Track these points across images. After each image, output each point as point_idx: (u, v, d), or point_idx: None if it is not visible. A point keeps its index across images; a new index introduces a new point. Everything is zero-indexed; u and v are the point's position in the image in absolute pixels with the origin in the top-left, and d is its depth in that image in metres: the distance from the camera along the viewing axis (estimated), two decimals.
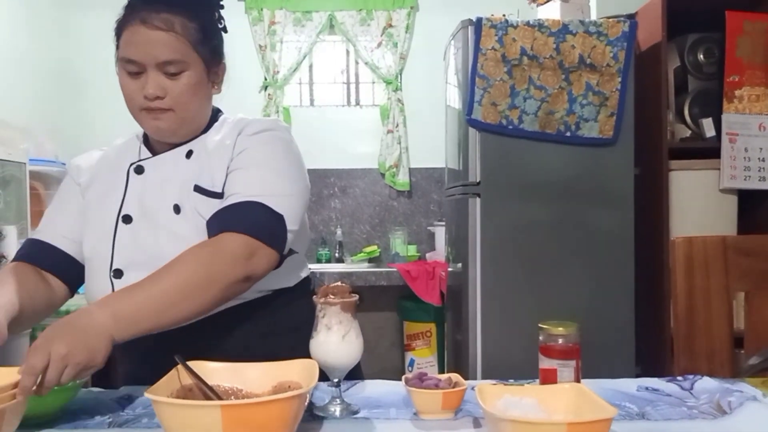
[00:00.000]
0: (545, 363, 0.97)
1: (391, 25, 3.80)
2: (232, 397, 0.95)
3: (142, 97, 1.20)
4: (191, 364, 0.95)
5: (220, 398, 0.93)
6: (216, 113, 1.35)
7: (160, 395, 0.82)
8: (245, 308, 1.23)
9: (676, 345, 1.44)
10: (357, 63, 3.97)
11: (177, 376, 0.93)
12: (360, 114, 3.95)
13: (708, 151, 2.56)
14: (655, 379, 1.18)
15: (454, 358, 2.83)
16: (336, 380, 1.02)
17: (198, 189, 1.22)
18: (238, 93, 3.78)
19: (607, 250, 2.49)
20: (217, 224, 1.15)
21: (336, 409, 1.00)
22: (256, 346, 1.18)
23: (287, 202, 1.19)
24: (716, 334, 1.43)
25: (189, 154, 1.26)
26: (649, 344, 2.57)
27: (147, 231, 1.21)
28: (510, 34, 2.41)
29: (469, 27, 2.47)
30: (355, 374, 1.14)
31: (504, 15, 2.49)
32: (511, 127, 2.45)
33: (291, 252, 1.26)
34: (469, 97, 2.44)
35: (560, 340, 0.96)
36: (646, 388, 1.12)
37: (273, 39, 3.75)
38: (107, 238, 1.23)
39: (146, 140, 1.33)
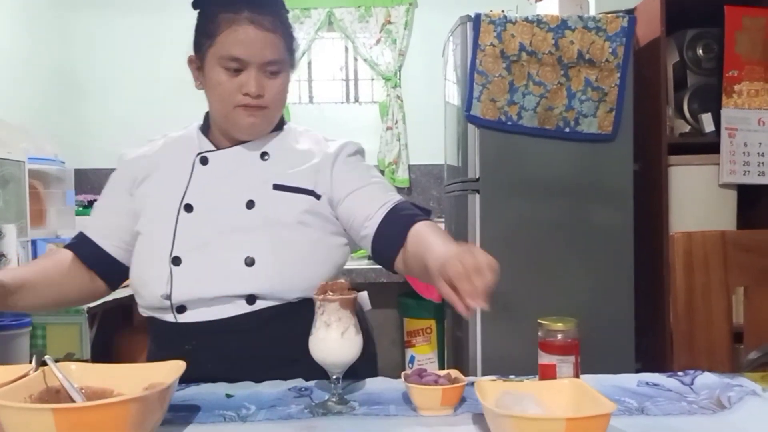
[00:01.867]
0: (544, 359, 0.97)
1: (389, 22, 3.79)
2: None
3: (240, 94, 1.24)
4: (60, 365, 0.93)
5: (83, 400, 0.89)
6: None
7: (17, 396, 0.81)
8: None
9: (675, 340, 1.45)
10: (356, 60, 3.96)
11: (43, 378, 0.91)
12: (359, 111, 3.94)
13: (707, 146, 2.56)
14: (656, 375, 1.18)
15: (454, 354, 2.83)
16: (335, 377, 1.02)
17: (279, 187, 1.28)
18: None
19: (606, 245, 2.48)
20: (411, 218, 1.25)
21: (335, 406, 1.00)
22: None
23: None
24: (716, 330, 1.43)
25: (264, 155, 1.32)
26: (648, 340, 2.57)
27: (209, 221, 1.25)
28: (509, 30, 2.41)
29: (468, 23, 2.46)
30: (369, 370, 1.18)
31: (503, 11, 2.49)
32: (510, 123, 2.44)
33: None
34: (468, 94, 2.44)
35: (559, 336, 0.97)
36: (647, 384, 1.12)
37: None
38: (169, 225, 1.26)
39: (206, 133, 1.37)
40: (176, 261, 1.24)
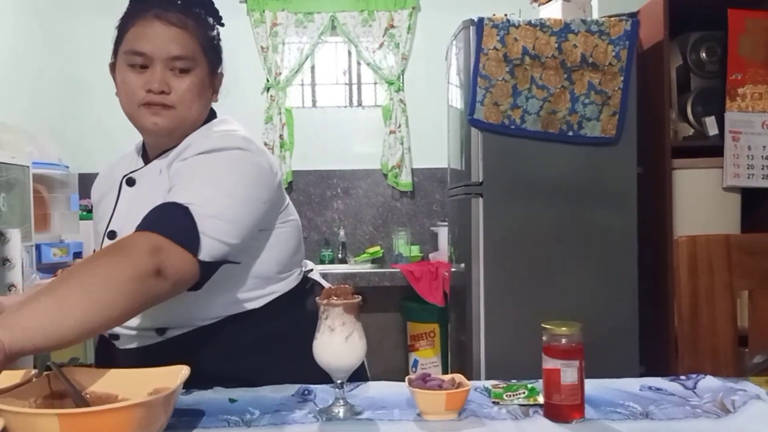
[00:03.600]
0: (549, 363, 0.97)
1: (392, 26, 3.80)
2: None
3: (144, 91, 1.19)
4: (65, 370, 0.93)
5: (87, 405, 0.89)
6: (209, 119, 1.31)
7: (22, 401, 0.80)
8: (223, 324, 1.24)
9: (680, 344, 1.44)
10: (359, 64, 3.97)
11: (47, 382, 0.91)
12: (362, 115, 3.95)
13: (711, 149, 2.55)
14: (659, 379, 1.17)
15: (458, 358, 2.83)
16: (339, 381, 1.02)
17: None
18: (241, 95, 3.78)
19: (610, 249, 2.48)
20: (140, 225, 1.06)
21: (339, 411, 1.00)
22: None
23: (215, 208, 1.09)
24: (720, 333, 1.42)
25: (170, 164, 1.20)
26: (652, 344, 2.56)
27: None
28: (512, 34, 2.41)
29: (471, 27, 2.47)
30: (359, 375, 1.14)
31: (505, 15, 2.49)
32: (513, 126, 2.45)
33: (229, 262, 1.14)
34: (471, 97, 2.44)
35: (563, 340, 0.96)
36: (650, 388, 1.12)
37: (275, 40, 3.76)
38: None
39: (144, 151, 1.32)
40: None
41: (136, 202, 1.22)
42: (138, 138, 1.35)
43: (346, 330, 1.00)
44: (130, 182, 1.27)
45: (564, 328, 0.97)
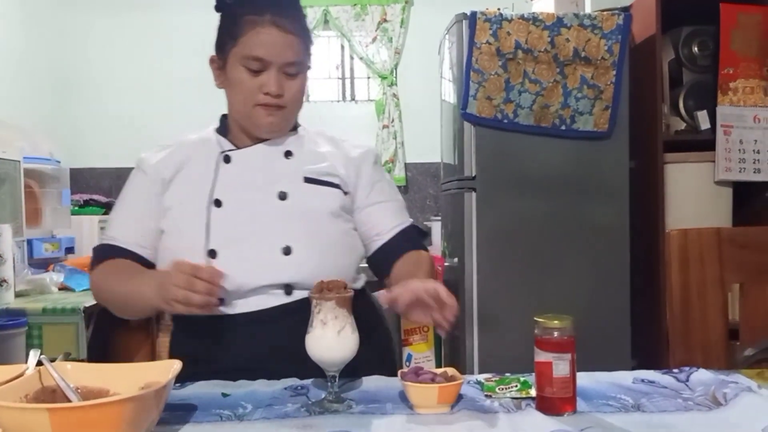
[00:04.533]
0: (541, 356, 0.97)
1: (385, 20, 3.79)
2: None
3: (260, 93, 1.29)
4: (56, 365, 0.93)
5: (79, 399, 0.89)
6: None
7: (13, 396, 0.80)
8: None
9: (671, 337, 1.45)
10: (352, 58, 3.96)
11: (38, 378, 0.91)
12: (355, 109, 3.94)
13: (703, 143, 2.56)
14: (651, 372, 1.18)
15: (451, 352, 2.83)
16: (332, 375, 1.02)
17: (310, 180, 1.34)
18: None
19: (602, 243, 2.49)
20: (408, 246, 1.41)
21: (332, 405, 1.00)
22: None
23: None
24: (711, 327, 1.43)
25: (288, 153, 1.37)
26: (644, 337, 2.57)
27: (241, 214, 1.29)
28: (504, 28, 2.41)
29: (464, 21, 2.46)
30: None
31: (498, 9, 2.49)
32: (506, 121, 2.45)
33: None
34: (463, 92, 2.44)
35: (555, 334, 0.96)
36: (642, 381, 1.13)
37: None
38: (199, 221, 1.28)
39: (224, 135, 1.41)
40: (212, 254, 1.26)
41: (239, 177, 1.33)
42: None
43: (338, 324, 1.00)
44: (227, 159, 1.35)
45: (556, 322, 0.97)
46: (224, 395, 1.08)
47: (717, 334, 1.43)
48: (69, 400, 0.88)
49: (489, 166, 2.48)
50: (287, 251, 1.26)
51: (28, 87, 3.37)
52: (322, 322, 1.00)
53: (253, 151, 1.36)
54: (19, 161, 2.66)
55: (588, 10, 2.86)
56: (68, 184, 3.05)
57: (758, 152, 2.54)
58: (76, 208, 3.19)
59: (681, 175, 2.56)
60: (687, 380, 1.12)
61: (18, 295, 2.39)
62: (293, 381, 1.15)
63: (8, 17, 3.21)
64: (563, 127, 2.45)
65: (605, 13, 2.46)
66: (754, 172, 2.54)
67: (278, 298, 1.25)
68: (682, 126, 2.66)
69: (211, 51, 1.37)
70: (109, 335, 2.97)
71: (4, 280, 2.29)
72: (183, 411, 1.00)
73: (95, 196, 3.37)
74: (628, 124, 2.49)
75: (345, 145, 1.45)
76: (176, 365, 0.92)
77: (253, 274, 1.24)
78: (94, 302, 2.34)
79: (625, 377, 1.15)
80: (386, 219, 1.41)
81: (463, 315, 2.49)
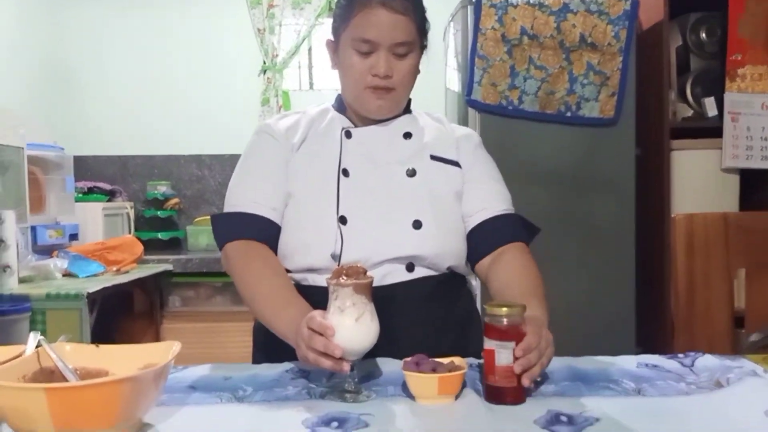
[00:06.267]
0: (486, 344, 0.95)
1: None
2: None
3: (369, 75, 1.29)
4: (55, 346, 0.92)
5: (77, 380, 0.89)
6: None
7: (11, 376, 0.80)
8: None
9: (676, 324, 1.44)
10: None
11: (37, 358, 0.90)
12: None
13: (710, 130, 2.54)
14: (656, 356, 1.17)
15: None
16: (350, 364, 0.96)
17: (436, 158, 1.36)
18: (237, 77, 3.75)
19: (608, 230, 2.47)
20: (508, 236, 1.36)
21: (350, 396, 0.96)
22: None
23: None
24: (717, 313, 1.42)
25: (407, 135, 1.38)
26: (649, 325, 2.56)
27: (369, 186, 1.31)
28: (510, 14, 2.39)
29: (469, 7, 2.44)
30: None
31: None
32: (511, 107, 2.43)
33: None
34: (468, 78, 2.42)
35: (505, 321, 0.94)
36: (646, 365, 1.12)
37: (272, 22, 3.72)
38: (329, 188, 1.30)
39: (341, 111, 1.42)
40: (343, 220, 1.27)
41: (361, 151, 1.35)
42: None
43: (356, 311, 0.95)
44: (348, 134, 1.37)
45: (504, 309, 0.95)
46: (226, 379, 1.07)
47: (722, 321, 1.42)
48: (67, 381, 0.88)
49: (493, 153, 2.43)
50: (417, 225, 1.28)
51: (31, 75, 3.36)
52: (339, 309, 0.96)
53: (371, 131, 1.38)
54: (22, 148, 2.66)
55: None
56: (72, 171, 3.05)
57: (766, 139, 2.51)
58: (80, 195, 3.19)
59: (688, 162, 2.54)
60: (692, 365, 1.11)
61: (22, 280, 2.40)
62: (295, 364, 1.13)
63: (6, 6, 3.20)
64: (569, 114, 2.44)
65: None
66: (762, 159, 2.51)
67: (400, 275, 1.26)
68: (689, 113, 2.63)
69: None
70: (113, 321, 2.98)
71: (8, 266, 2.29)
72: (183, 393, 1.00)
73: (99, 184, 3.37)
74: (635, 110, 2.47)
75: (451, 125, 1.46)
76: (175, 347, 0.91)
77: (382, 245, 1.26)
78: (98, 288, 2.34)
79: (629, 362, 1.14)
80: (491, 198, 1.39)
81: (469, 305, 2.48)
